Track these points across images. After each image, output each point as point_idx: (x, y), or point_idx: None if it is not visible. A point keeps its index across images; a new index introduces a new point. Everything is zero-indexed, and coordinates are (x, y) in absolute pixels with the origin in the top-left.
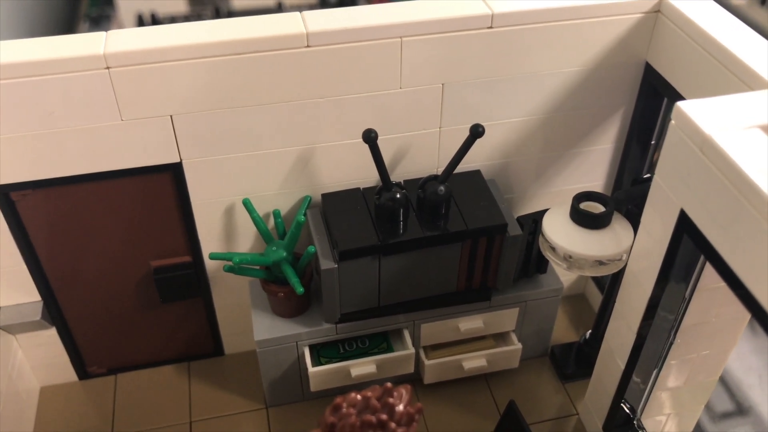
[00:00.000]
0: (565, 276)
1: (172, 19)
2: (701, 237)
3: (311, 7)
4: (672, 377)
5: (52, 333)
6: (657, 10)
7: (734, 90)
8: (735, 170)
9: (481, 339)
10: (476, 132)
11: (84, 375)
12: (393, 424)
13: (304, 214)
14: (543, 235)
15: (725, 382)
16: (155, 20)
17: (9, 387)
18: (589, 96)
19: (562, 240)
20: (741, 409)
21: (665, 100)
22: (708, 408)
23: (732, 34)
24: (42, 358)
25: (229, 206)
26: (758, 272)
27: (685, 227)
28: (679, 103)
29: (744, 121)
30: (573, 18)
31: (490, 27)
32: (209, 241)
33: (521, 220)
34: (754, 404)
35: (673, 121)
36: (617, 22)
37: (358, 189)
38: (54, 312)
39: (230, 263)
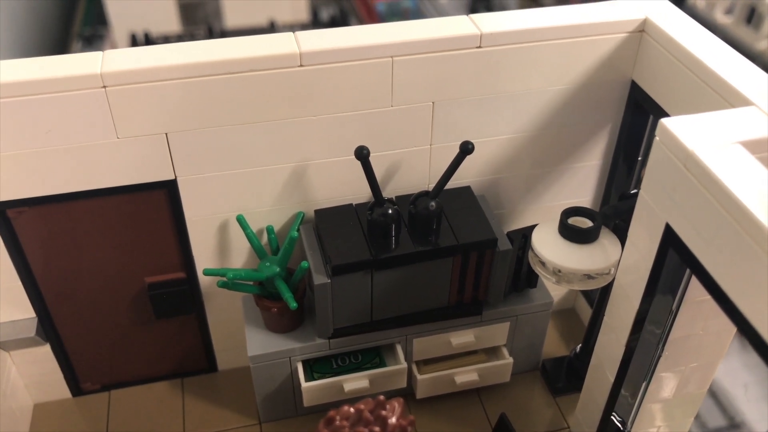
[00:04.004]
0: (555, 290)
1: (165, 39)
2: (686, 250)
3: (303, 26)
4: (661, 390)
5: (46, 350)
6: (641, 30)
7: (717, 107)
8: (718, 185)
9: (472, 353)
10: (466, 149)
11: (78, 392)
12: None
13: (298, 230)
14: (532, 249)
15: (717, 398)
16: (148, 40)
17: (2, 404)
18: (576, 113)
19: (551, 254)
20: (733, 424)
21: (651, 117)
22: (701, 424)
23: (714, 53)
24: (36, 375)
25: (223, 222)
26: (741, 285)
27: (670, 241)
28: (663, 120)
29: (726, 137)
30: (560, 37)
31: (479, 47)
32: (203, 257)
33: (511, 235)
34: (746, 419)
35: (657, 138)
36: (603, 41)
37: (351, 205)
38: (48, 328)
39: (224, 279)
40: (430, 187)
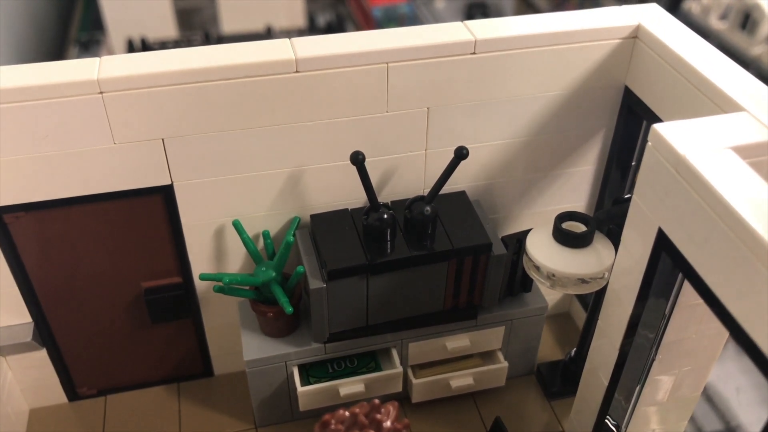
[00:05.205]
0: (549, 295)
1: (162, 45)
2: (678, 254)
3: (300, 32)
4: (655, 393)
5: (42, 354)
6: (634, 36)
7: (708, 113)
8: (709, 190)
9: (468, 358)
10: (461, 154)
11: (74, 396)
12: None
13: (293, 235)
14: (527, 254)
15: (713, 402)
16: (145, 45)
17: None
18: (570, 119)
19: (545, 259)
20: (729, 428)
21: (644, 122)
22: (697, 428)
23: (706, 59)
24: (32, 380)
25: (219, 227)
26: (733, 289)
27: (663, 245)
28: (656, 126)
29: (717, 142)
30: (554, 44)
31: (474, 53)
32: (199, 262)
33: (505, 240)
34: (741, 423)
35: (650, 143)
36: (596, 47)
37: (347, 210)
38: (45, 333)
39: (220, 284)
40: (426, 192)
